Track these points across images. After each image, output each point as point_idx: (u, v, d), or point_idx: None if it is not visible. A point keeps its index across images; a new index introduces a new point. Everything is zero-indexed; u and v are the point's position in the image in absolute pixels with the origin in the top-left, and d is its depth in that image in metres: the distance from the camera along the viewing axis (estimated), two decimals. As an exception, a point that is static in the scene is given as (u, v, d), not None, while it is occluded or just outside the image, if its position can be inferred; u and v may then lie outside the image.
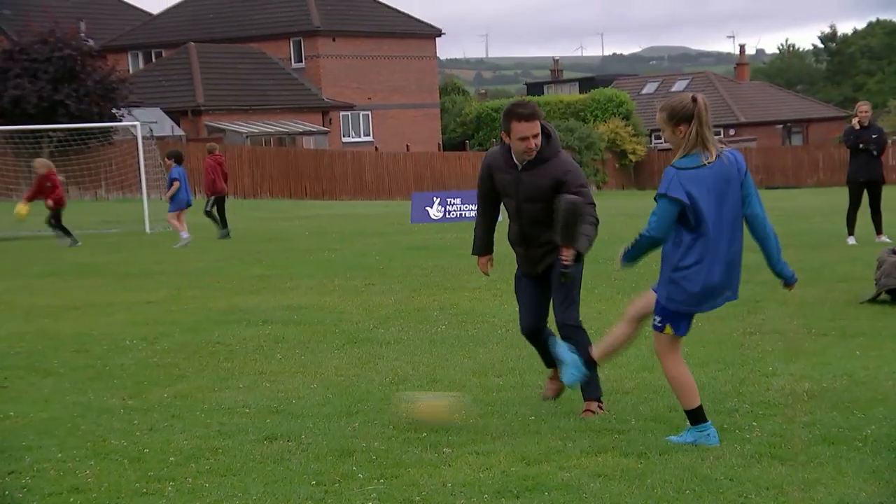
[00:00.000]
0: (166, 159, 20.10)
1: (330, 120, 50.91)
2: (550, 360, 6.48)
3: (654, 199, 5.29)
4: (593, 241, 6.04)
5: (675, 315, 5.42)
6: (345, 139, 51.60)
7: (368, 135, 52.94)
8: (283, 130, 47.96)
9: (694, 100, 5.25)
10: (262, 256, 16.41)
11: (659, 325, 5.47)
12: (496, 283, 12.37)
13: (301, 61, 51.50)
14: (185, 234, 18.96)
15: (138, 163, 25.78)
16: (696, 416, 5.44)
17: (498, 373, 7.42)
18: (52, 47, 37.65)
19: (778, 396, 6.44)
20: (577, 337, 6.18)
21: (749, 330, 8.71)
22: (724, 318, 9.42)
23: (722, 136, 61.70)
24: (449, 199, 26.20)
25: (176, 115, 45.44)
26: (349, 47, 52.15)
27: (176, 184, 19.34)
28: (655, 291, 5.47)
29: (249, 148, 43.66)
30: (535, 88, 71.91)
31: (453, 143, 55.82)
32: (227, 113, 47.09)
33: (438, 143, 54.94)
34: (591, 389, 6.18)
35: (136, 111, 39.80)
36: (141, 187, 25.01)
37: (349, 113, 52.13)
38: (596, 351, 5.78)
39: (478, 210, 6.71)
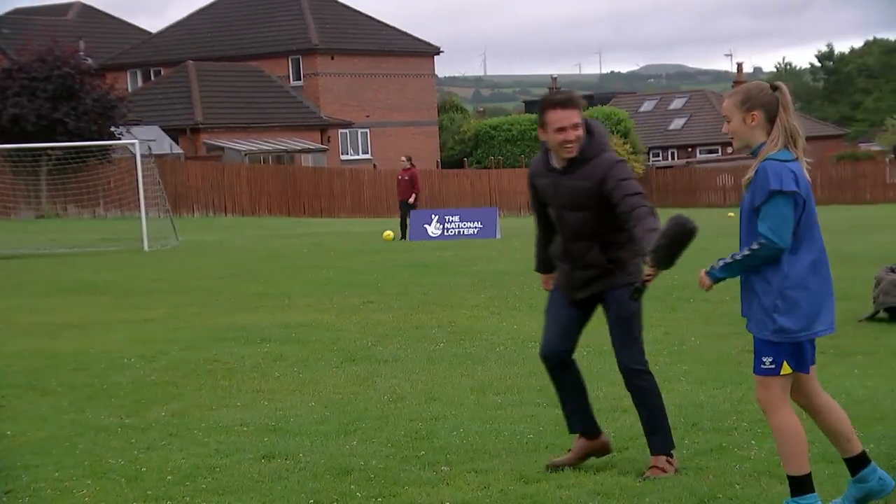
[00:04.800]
0: None
1: (328, 138, 51.00)
2: (571, 404, 5.54)
3: (759, 207, 4.43)
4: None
5: (793, 345, 4.47)
6: (343, 157, 51.66)
7: (367, 152, 53.02)
8: (282, 148, 48.03)
9: (776, 87, 4.55)
10: (260, 274, 16.40)
11: (771, 366, 4.47)
12: (494, 300, 12.37)
13: (300, 79, 51.63)
14: None
15: (137, 181, 25.80)
16: (804, 485, 4.52)
17: (496, 391, 7.40)
18: (50, 66, 37.75)
19: (777, 414, 6.43)
20: (645, 384, 5.36)
21: (748, 348, 8.67)
22: (722, 336, 9.41)
23: (720, 153, 61.82)
24: (447, 217, 26.21)
25: (175, 133, 45.51)
26: (347, 65, 52.30)
27: None
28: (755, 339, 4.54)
29: (248, 166, 43.72)
30: (534, 106, 72.03)
31: (451, 161, 55.89)
32: (226, 131, 47.17)
33: (437, 161, 55.02)
34: (658, 442, 5.38)
35: (134, 129, 39.87)
36: (139, 205, 25.02)
37: (347, 131, 52.22)
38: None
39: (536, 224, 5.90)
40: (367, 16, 56.00)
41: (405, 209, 25.35)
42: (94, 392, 7.69)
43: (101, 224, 33.10)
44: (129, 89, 49.78)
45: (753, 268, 4.49)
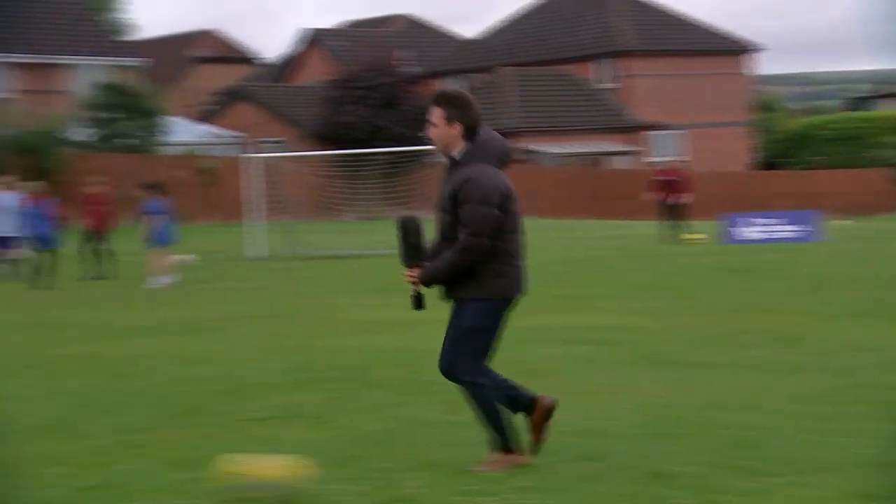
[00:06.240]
0: (145, 189, 18.38)
1: (641, 140, 50.57)
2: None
3: None
4: (445, 273, 5.36)
5: None
6: (655, 159, 51.02)
7: (680, 154, 52.05)
8: (594, 151, 48.16)
9: None
10: (569, 276, 16.48)
11: None
12: (818, 306, 11.74)
13: (611, 82, 51.52)
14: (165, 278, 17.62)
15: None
16: None
17: (823, 402, 7.00)
18: (377, 75, 39.90)
19: None
20: (469, 393, 5.48)
21: None
22: None
23: None
24: (764, 220, 25.28)
25: (489, 138, 46.71)
26: (660, 66, 51.59)
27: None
28: None
29: (559, 169, 44.19)
30: (858, 103, 68.03)
31: (770, 162, 53.85)
32: (540, 134, 47.86)
33: (753, 162, 53.17)
34: (502, 440, 5.49)
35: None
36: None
37: (660, 133, 51.54)
38: None
39: None
40: (679, 15, 55.02)
41: (671, 210, 24.73)
42: (417, 388, 7.97)
43: (419, 226, 34.43)
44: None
45: None
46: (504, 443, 5.60)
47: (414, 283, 5.52)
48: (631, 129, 50.38)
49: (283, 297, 15.15)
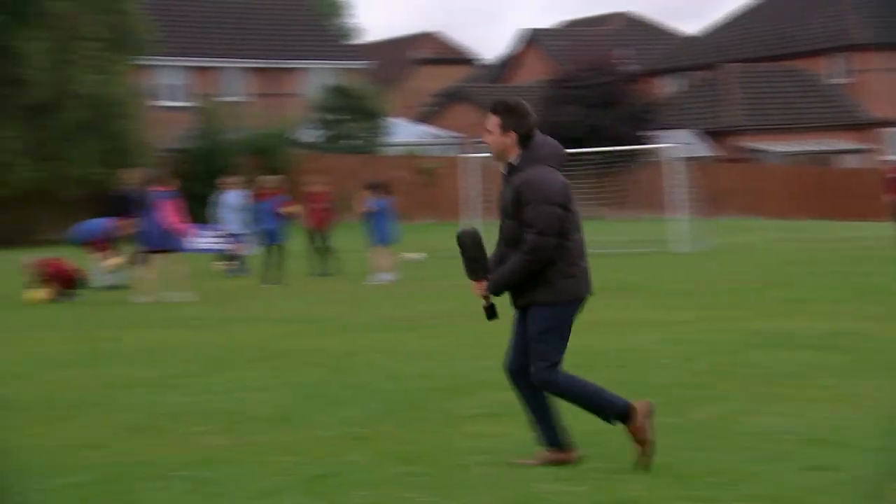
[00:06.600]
0: (369, 188, 18.70)
1: (875, 137, 48.08)
2: (537, 420, 5.72)
3: None
4: (514, 278, 5.47)
5: None
6: (891, 157, 48.42)
7: (918, 152, 49.21)
8: (823, 149, 46.18)
9: None
10: (794, 278, 15.89)
11: None
12: None
13: (844, 77, 49.22)
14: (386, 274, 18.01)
15: (670, 184, 26.22)
16: None
17: None
18: (595, 74, 39.70)
19: None
20: (555, 392, 5.58)
21: None
22: None
23: None
24: None
25: (714, 136, 45.57)
26: (896, 60, 48.90)
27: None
28: None
29: (783, 168, 42.65)
30: None
31: None
32: (765, 132, 46.31)
33: None
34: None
35: (671, 133, 40.63)
36: (671, 208, 25.38)
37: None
38: None
39: None
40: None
41: None
42: (636, 390, 7.82)
43: (634, 226, 34.08)
44: (668, 93, 50.71)
45: None
46: (616, 408, 5.62)
47: (484, 295, 5.63)
48: (864, 126, 47.96)
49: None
